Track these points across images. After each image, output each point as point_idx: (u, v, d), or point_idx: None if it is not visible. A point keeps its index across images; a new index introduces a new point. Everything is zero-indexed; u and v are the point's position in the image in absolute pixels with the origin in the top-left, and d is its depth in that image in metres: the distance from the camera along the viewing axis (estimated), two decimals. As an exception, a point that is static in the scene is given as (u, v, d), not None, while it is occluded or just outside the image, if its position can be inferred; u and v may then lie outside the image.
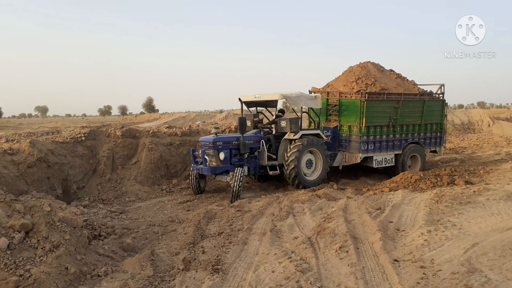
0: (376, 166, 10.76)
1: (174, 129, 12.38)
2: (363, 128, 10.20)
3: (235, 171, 8.82)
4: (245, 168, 9.31)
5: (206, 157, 9.30)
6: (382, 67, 12.08)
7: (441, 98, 11.86)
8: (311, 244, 5.05)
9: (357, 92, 10.35)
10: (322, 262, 4.50)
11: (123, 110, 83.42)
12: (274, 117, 10.83)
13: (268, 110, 11.54)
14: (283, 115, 10.81)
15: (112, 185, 9.99)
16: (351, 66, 11.93)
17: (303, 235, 5.48)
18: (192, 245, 5.67)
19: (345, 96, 10.75)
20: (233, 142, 9.42)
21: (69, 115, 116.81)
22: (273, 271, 4.35)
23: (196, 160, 9.72)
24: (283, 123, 9.83)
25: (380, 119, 10.52)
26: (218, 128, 10.09)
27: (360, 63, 11.85)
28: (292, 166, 9.31)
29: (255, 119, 10.74)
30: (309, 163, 9.85)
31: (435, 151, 12.20)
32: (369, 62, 11.87)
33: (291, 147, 9.47)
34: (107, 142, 10.68)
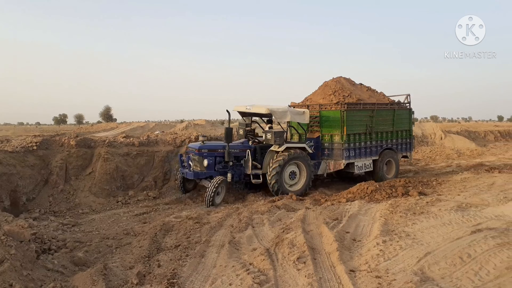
0: (358, 171, 11.52)
1: (132, 139, 12.04)
2: (344, 136, 10.87)
3: (214, 178, 9.20)
4: (229, 175, 9.72)
5: (190, 162, 9.89)
6: (353, 81, 12.87)
7: (408, 107, 12.79)
8: (269, 255, 5.02)
9: (336, 103, 11.09)
10: (279, 273, 4.48)
11: (79, 118, 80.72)
12: (266, 128, 11.17)
13: (263, 119, 12.07)
14: (271, 124, 11.15)
15: (64, 197, 9.56)
16: (326, 81, 12.71)
17: (261, 247, 5.44)
18: (147, 258, 5.51)
19: (325, 108, 11.44)
20: (219, 150, 9.92)
21: (21, 124, 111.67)
22: (230, 284, 4.28)
23: (183, 164, 10.30)
24: (268, 135, 10.23)
25: (358, 128, 11.24)
26: (205, 136, 10.65)
27: (333, 78, 12.63)
28: (274, 175, 9.71)
29: (247, 128, 11.24)
30: (293, 175, 10.21)
31: (406, 156, 13.03)
32: (341, 77, 12.69)
33: (275, 158, 9.88)
34: (60, 152, 10.24)
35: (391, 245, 4.92)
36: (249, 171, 9.95)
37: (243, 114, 11.31)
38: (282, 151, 9.93)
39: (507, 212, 6.11)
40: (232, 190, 11.43)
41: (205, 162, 9.63)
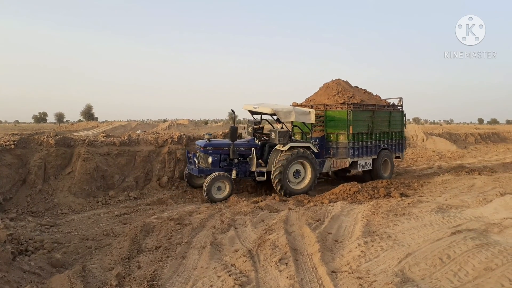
0: (360, 170, 11.92)
1: (113, 138, 11.84)
2: (350, 135, 11.26)
3: (210, 175, 9.53)
4: (233, 172, 10.07)
5: (195, 159, 10.35)
6: (350, 83, 13.22)
7: (401, 109, 13.34)
8: (251, 256, 4.98)
9: (342, 103, 11.49)
10: (261, 275, 4.44)
11: (60, 117, 79.35)
12: (278, 127, 11.55)
13: (273, 118, 12.23)
14: (282, 123, 11.40)
15: (43, 197, 9.34)
16: (327, 83, 13.10)
17: (243, 248, 5.40)
18: (127, 260, 5.41)
19: (331, 108, 11.77)
20: (224, 148, 10.26)
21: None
22: (211, 286, 4.23)
23: (190, 161, 10.75)
24: (273, 135, 10.53)
25: (362, 127, 11.66)
26: (211, 134, 11.18)
27: (332, 80, 13.05)
28: (278, 173, 9.90)
29: (255, 126, 11.50)
30: (297, 173, 10.39)
31: (398, 157, 13.51)
32: (339, 79, 13.08)
33: (279, 157, 10.10)
34: (39, 151, 10.00)
35: (372, 246, 4.94)
36: (253, 168, 10.28)
37: (252, 112, 11.56)
38: (286, 151, 10.14)
39: (486, 213, 6.21)
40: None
41: (210, 159, 10.00)
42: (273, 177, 9.98)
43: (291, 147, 10.21)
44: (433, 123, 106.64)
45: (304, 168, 10.51)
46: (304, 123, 11.13)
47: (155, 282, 4.44)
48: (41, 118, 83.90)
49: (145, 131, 23.25)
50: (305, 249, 5.14)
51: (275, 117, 11.67)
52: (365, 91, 13.15)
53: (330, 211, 7.24)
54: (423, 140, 28.15)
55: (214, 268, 4.74)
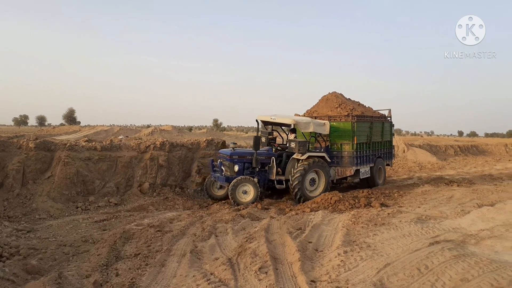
0: (361, 177, 12.36)
1: (94, 143, 11.70)
2: (355, 145, 11.80)
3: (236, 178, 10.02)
4: (255, 180, 10.33)
5: (222, 167, 10.58)
6: (344, 96, 13.71)
7: (390, 120, 14.20)
8: (231, 265, 4.96)
9: (347, 115, 12.02)
10: (240, 283, 4.42)
11: (42, 120, 77.95)
12: (287, 137, 12.23)
13: (282, 129, 13.16)
14: (295, 134, 11.83)
15: (20, 201, 9.14)
16: (325, 95, 13.64)
17: (224, 256, 5.38)
18: (105, 267, 5.33)
19: (335, 119, 12.24)
20: (247, 157, 10.67)
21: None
22: (190, 294, 4.19)
23: (214, 169, 11.00)
24: (292, 145, 10.94)
25: (363, 138, 12.26)
26: (235, 143, 11.52)
27: (329, 92, 13.62)
28: (297, 182, 10.25)
29: (269, 136, 12.05)
30: (312, 181, 10.79)
31: (388, 164, 14.38)
32: (335, 92, 13.63)
33: (298, 166, 10.48)
34: (18, 154, 9.82)
35: (352, 255, 4.97)
36: (273, 176, 10.74)
37: (265, 123, 12.05)
38: (304, 160, 10.54)
39: (464, 225, 6.31)
40: (197, 197, 11.34)
41: (236, 168, 10.43)
42: (292, 185, 10.31)
43: (309, 157, 10.66)
44: (414, 134, 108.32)
45: (318, 176, 10.93)
46: (320, 134, 11.72)
47: (133, 290, 4.38)
48: (21, 120, 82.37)
49: (127, 137, 23.03)
50: (285, 258, 5.14)
51: (285, 128, 12.56)
52: (359, 103, 13.70)
53: (311, 220, 7.26)
54: (404, 151, 28.56)
55: (194, 276, 4.70)
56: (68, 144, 10.71)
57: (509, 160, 26.64)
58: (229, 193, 9.83)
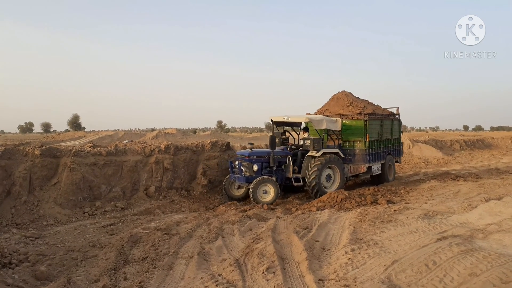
0: (373, 174, 12.69)
1: (99, 148, 11.75)
2: (367, 143, 12.09)
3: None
4: (273, 179, 10.59)
5: (242, 168, 10.81)
6: (353, 95, 13.91)
7: (398, 118, 14.45)
8: (238, 266, 4.96)
9: (359, 114, 12.30)
10: (248, 284, 4.42)
11: (47, 127, 78.44)
12: (298, 136, 12.81)
13: (293, 129, 13.39)
14: (308, 132, 12.12)
15: (28, 208, 9.20)
16: (335, 94, 13.92)
17: (231, 257, 5.38)
18: (113, 271, 5.35)
19: (347, 118, 12.51)
20: (265, 156, 10.98)
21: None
22: (198, 296, 4.19)
23: (233, 170, 11.24)
24: (307, 142, 11.24)
25: (374, 135, 12.53)
26: (253, 144, 12.17)
27: (339, 92, 13.87)
28: (314, 178, 10.58)
29: (283, 136, 12.36)
30: (328, 177, 11.17)
31: (397, 161, 14.76)
32: (345, 91, 13.86)
33: (313, 163, 10.78)
34: (24, 162, 9.88)
35: (359, 253, 4.96)
36: (290, 175, 10.99)
37: (277, 123, 12.41)
38: (319, 156, 10.83)
39: (471, 219, 6.28)
40: (203, 199, 11.36)
41: (255, 167, 10.67)
42: (309, 181, 10.61)
43: (324, 153, 10.96)
44: (419, 130, 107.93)
45: (333, 172, 11.24)
46: (333, 130, 12.02)
47: (141, 294, 4.39)
48: (27, 128, 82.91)
49: (132, 141, 23.13)
50: (293, 257, 5.13)
51: (295, 128, 13.06)
52: (368, 102, 13.81)
53: (317, 218, 7.25)
54: (409, 147, 28.45)
55: (202, 278, 4.71)
56: (74, 150, 10.77)
57: (516, 153, 26.46)
58: (250, 193, 10.03)
